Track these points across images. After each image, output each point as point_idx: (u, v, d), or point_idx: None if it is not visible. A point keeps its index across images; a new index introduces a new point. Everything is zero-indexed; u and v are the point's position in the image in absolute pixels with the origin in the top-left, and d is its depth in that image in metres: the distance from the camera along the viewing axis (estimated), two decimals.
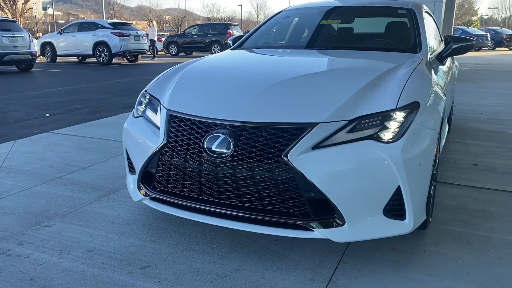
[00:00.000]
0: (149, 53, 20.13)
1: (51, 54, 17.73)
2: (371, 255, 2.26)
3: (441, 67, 3.24)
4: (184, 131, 2.19)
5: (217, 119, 2.13)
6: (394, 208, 2.05)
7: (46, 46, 17.78)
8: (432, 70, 2.78)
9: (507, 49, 30.11)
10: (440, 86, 2.76)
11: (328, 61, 2.81)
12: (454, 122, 5.50)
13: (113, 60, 17.29)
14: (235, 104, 2.20)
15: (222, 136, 2.05)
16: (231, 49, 3.59)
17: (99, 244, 2.36)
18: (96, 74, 13.05)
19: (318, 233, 2.01)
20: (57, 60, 18.14)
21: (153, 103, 2.52)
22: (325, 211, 2.01)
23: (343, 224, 2.00)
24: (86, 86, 10.09)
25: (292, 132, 2.02)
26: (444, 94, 2.81)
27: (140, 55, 18.36)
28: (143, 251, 2.29)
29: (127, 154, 2.56)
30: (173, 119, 2.28)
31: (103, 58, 16.78)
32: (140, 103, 2.62)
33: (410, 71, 2.41)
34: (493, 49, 29.51)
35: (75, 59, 18.99)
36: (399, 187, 2.00)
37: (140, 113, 2.56)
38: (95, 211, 2.78)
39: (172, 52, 24.20)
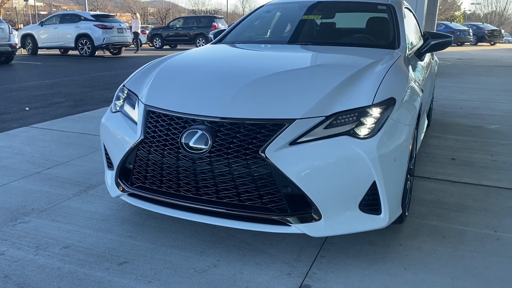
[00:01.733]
0: (132, 45, 19.90)
1: (32, 46, 17.41)
2: (348, 249, 2.29)
3: (419, 63, 3.28)
4: (162, 126, 2.18)
5: (195, 115, 2.13)
6: (370, 203, 2.07)
7: (27, 38, 17.45)
8: (410, 66, 2.81)
9: (488, 44, 30.57)
10: (418, 82, 2.80)
11: (308, 57, 2.82)
12: (434, 117, 5.58)
13: (96, 52, 17.07)
14: (213, 100, 2.20)
15: (199, 132, 2.05)
16: (212, 43, 3.57)
17: (76, 240, 2.35)
18: (78, 67, 12.87)
19: (295, 228, 2.03)
20: (39, 52, 17.83)
21: (131, 98, 2.50)
22: (302, 206, 2.03)
23: (319, 219, 2.02)
24: (67, 79, 9.94)
25: (270, 128, 2.03)
26: (422, 90, 2.85)
27: (124, 48, 18.14)
28: (121, 247, 2.28)
29: (105, 150, 2.54)
30: (150, 115, 2.26)
31: (85, 50, 16.55)
32: (118, 98, 2.60)
33: (387, 67, 2.43)
34: (475, 44, 29.93)
35: (57, 52, 18.68)
36: (374, 182, 2.02)
37: (118, 108, 2.54)
38: (73, 206, 2.75)
39: (156, 44, 23.96)
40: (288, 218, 2.02)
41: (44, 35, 17.08)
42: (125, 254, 2.21)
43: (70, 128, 4.78)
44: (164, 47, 23.96)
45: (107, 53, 18.16)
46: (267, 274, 2.06)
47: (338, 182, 2.00)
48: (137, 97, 2.45)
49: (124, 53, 18.74)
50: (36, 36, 17.20)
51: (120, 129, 2.38)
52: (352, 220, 2.07)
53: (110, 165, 2.52)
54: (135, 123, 2.32)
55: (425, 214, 2.72)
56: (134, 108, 2.42)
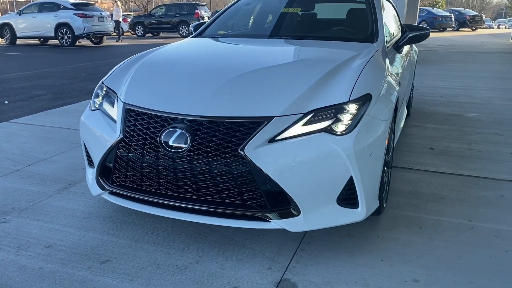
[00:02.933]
0: (114, 34, 19.59)
1: (10, 36, 17.02)
2: (327, 242, 2.34)
3: (397, 55, 3.33)
4: (141, 125, 2.19)
5: (174, 114, 2.14)
6: (347, 197, 2.12)
7: (5, 28, 17.04)
8: (387, 60, 2.85)
9: (470, 29, 30.87)
10: (395, 75, 2.84)
11: (287, 53, 2.84)
12: (414, 105, 5.67)
13: (77, 42, 16.78)
14: (192, 98, 2.21)
15: (179, 131, 2.06)
16: (191, 37, 3.56)
17: (58, 239, 2.35)
18: (58, 58, 12.65)
19: (275, 223, 2.07)
20: (17, 42, 17.45)
21: (110, 96, 2.50)
22: (281, 203, 2.07)
23: (298, 214, 2.07)
24: (48, 70, 9.78)
25: (249, 126, 2.05)
26: (399, 84, 2.89)
27: (105, 37, 17.87)
28: (103, 245, 2.30)
29: (85, 148, 2.54)
30: (129, 113, 2.27)
31: (66, 40, 16.25)
32: (97, 96, 2.59)
33: (364, 62, 2.47)
34: (457, 29, 30.20)
35: (36, 41, 18.31)
36: (351, 177, 2.07)
37: (97, 106, 2.53)
38: (54, 205, 2.75)
39: (138, 33, 23.64)
40: (268, 214, 2.06)
41: (23, 25, 16.69)
42: (108, 253, 2.23)
43: (51, 123, 4.73)
44: (147, 35, 23.65)
45: (89, 43, 17.85)
46: (248, 269, 2.10)
47: (316, 178, 2.04)
48: (116, 95, 2.45)
49: (106, 42, 18.45)
50: (14, 26, 16.80)
51: (99, 128, 2.37)
52: (331, 214, 2.12)
53: (90, 163, 2.52)
54: (115, 121, 2.32)
55: (402, 205, 2.79)
56: (113, 106, 2.42)
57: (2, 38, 17.36)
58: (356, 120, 2.11)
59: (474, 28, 31.04)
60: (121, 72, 2.67)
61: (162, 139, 2.08)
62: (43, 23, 16.31)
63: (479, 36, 23.73)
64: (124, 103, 2.32)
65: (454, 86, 7.33)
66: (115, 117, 2.34)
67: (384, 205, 2.60)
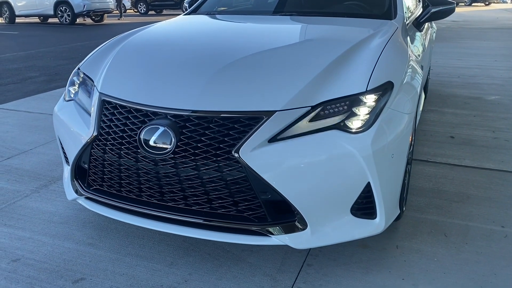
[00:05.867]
0: (116, 12, 19.05)
1: (8, 14, 16.54)
2: (338, 254, 2.02)
3: (418, 34, 2.93)
4: (118, 121, 1.85)
5: (157, 107, 1.79)
6: (364, 206, 1.78)
7: (3, 6, 16.53)
8: (409, 39, 2.46)
9: (483, 4, 29.82)
10: (417, 57, 2.46)
11: (292, 33, 2.45)
12: (431, 88, 5.26)
13: (77, 20, 16.30)
14: (180, 89, 1.86)
15: (161, 129, 1.72)
16: (185, 14, 3.16)
17: (28, 251, 2.05)
18: (57, 37, 12.23)
19: (276, 239, 1.74)
20: (16, 21, 16.99)
21: (87, 84, 2.15)
22: (284, 214, 1.74)
23: (304, 228, 1.73)
24: (44, 50, 9.40)
25: (245, 123, 1.70)
26: (421, 67, 2.51)
27: (106, 15, 17.33)
28: (79, 259, 1.99)
29: (61, 143, 2.21)
30: (106, 106, 1.92)
31: (65, 18, 15.76)
32: (72, 83, 2.24)
33: (383, 43, 2.09)
34: (470, 4, 29.16)
35: (36, 20, 17.84)
36: (368, 184, 1.73)
37: (72, 96, 2.19)
38: (30, 206, 2.44)
39: (141, 10, 23.01)
40: (269, 228, 1.72)
41: (22, 3, 16.18)
42: (83, 268, 1.92)
43: (38, 109, 4.40)
44: (150, 12, 23.04)
45: (89, 21, 17.35)
46: None
47: (326, 185, 1.70)
48: (93, 83, 2.10)
49: (107, 20, 17.93)
50: (12, 4, 16.30)
51: (73, 122, 2.04)
52: (343, 227, 1.78)
53: (67, 160, 2.20)
54: (90, 115, 1.98)
55: (424, 206, 2.45)
56: (89, 97, 2.07)
57: (1, 16, 16.90)
58: (374, 114, 1.75)
59: (487, 3, 29.96)
60: (100, 56, 2.31)
61: (142, 137, 1.74)
62: (42, 1, 15.79)
63: (493, 11, 22.85)
64: (100, 93, 1.97)
65: (471, 66, 6.87)
66: (90, 110, 2.00)
67: (404, 208, 2.26)
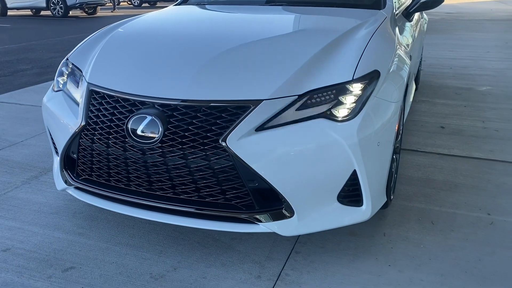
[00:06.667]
0: (109, 4, 18.90)
1: (1, 7, 16.36)
2: (326, 242, 2.04)
3: (407, 24, 2.94)
4: (106, 110, 1.85)
5: (144, 97, 1.79)
6: (350, 194, 1.80)
7: None
8: (397, 29, 2.48)
9: None
10: (405, 47, 2.47)
11: (282, 23, 2.45)
12: (422, 79, 5.28)
13: (70, 13, 16.15)
14: (167, 79, 1.86)
15: (148, 118, 1.72)
16: (175, 5, 3.16)
17: (18, 240, 2.06)
18: (49, 29, 12.13)
19: (263, 226, 1.76)
20: (9, 13, 16.81)
21: (75, 74, 2.15)
22: (271, 202, 1.76)
23: (291, 216, 1.75)
24: (37, 43, 9.33)
25: (232, 112, 1.71)
26: (410, 57, 2.53)
27: (99, 7, 17.19)
28: (69, 248, 2.00)
29: (50, 134, 2.21)
30: (94, 96, 1.92)
31: (58, 11, 15.62)
32: (61, 74, 2.24)
33: (371, 33, 2.10)
34: None
35: (28, 12, 17.67)
36: (354, 171, 1.74)
37: (60, 86, 2.19)
38: (20, 197, 2.45)
39: (134, 2, 22.84)
40: (257, 216, 1.74)
41: None
42: (72, 257, 1.94)
43: (29, 101, 4.38)
44: (143, 4, 22.87)
45: (82, 13, 17.20)
46: (233, 278, 1.81)
47: (313, 173, 1.72)
48: (82, 73, 2.10)
49: (100, 12, 17.79)
50: None
51: (61, 112, 2.04)
52: (330, 215, 1.80)
53: (57, 150, 2.20)
54: (78, 105, 1.99)
55: (412, 195, 2.48)
56: (78, 87, 2.07)
57: None
58: (361, 102, 1.77)
59: None
60: (89, 46, 2.31)
61: (129, 126, 1.74)
62: None
63: (487, 3, 22.85)
64: (88, 83, 1.98)
65: (463, 57, 6.89)
66: (78, 100, 2.00)
67: (392, 197, 2.28)
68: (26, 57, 7.50)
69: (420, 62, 4.85)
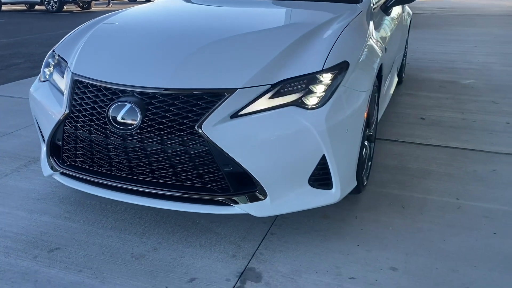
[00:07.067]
0: None
1: None
2: (300, 224, 2.15)
3: (385, 18, 3.04)
4: (89, 99, 1.95)
5: (124, 85, 1.89)
6: (320, 177, 1.91)
7: None
8: (372, 23, 2.57)
9: None
10: (379, 40, 2.57)
11: (260, 16, 2.54)
12: (409, 72, 5.39)
13: (64, 7, 16.17)
14: (145, 68, 1.96)
15: (128, 105, 1.82)
16: None
17: (6, 224, 2.15)
18: (43, 24, 12.16)
19: (238, 208, 1.86)
20: (3, 8, 16.80)
21: (61, 65, 2.24)
22: (245, 185, 1.86)
23: (264, 198, 1.86)
24: (30, 37, 9.37)
25: (208, 100, 1.81)
26: (385, 49, 2.63)
27: (94, 2, 17.21)
28: (55, 231, 2.10)
29: (37, 123, 2.30)
30: (77, 85, 2.02)
31: (52, 5, 15.64)
32: (47, 65, 2.33)
33: (343, 26, 2.20)
34: None
35: (22, 7, 17.65)
36: (324, 156, 1.85)
37: (47, 77, 2.28)
38: (9, 184, 2.54)
39: None
40: (232, 198, 1.85)
41: None
42: (58, 239, 2.04)
43: (21, 94, 4.46)
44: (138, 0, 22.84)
45: (77, 8, 17.21)
46: (210, 257, 1.91)
47: (285, 157, 1.82)
48: (67, 64, 2.19)
49: (95, 7, 17.81)
50: None
51: (47, 102, 2.13)
52: (301, 197, 1.91)
53: (44, 138, 2.29)
54: (63, 94, 2.08)
55: (386, 182, 2.59)
56: (63, 77, 2.17)
57: None
58: (330, 91, 1.87)
59: None
60: (74, 38, 2.40)
61: (110, 114, 1.84)
62: None
63: None
64: (73, 73, 2.07)
65: (451, 51, 7.01)
66: (63, 89, 2.09)
67: (365, 183, 2.39)
68: (19, 52, 7.55)
69: (405, 56, 4.95)
